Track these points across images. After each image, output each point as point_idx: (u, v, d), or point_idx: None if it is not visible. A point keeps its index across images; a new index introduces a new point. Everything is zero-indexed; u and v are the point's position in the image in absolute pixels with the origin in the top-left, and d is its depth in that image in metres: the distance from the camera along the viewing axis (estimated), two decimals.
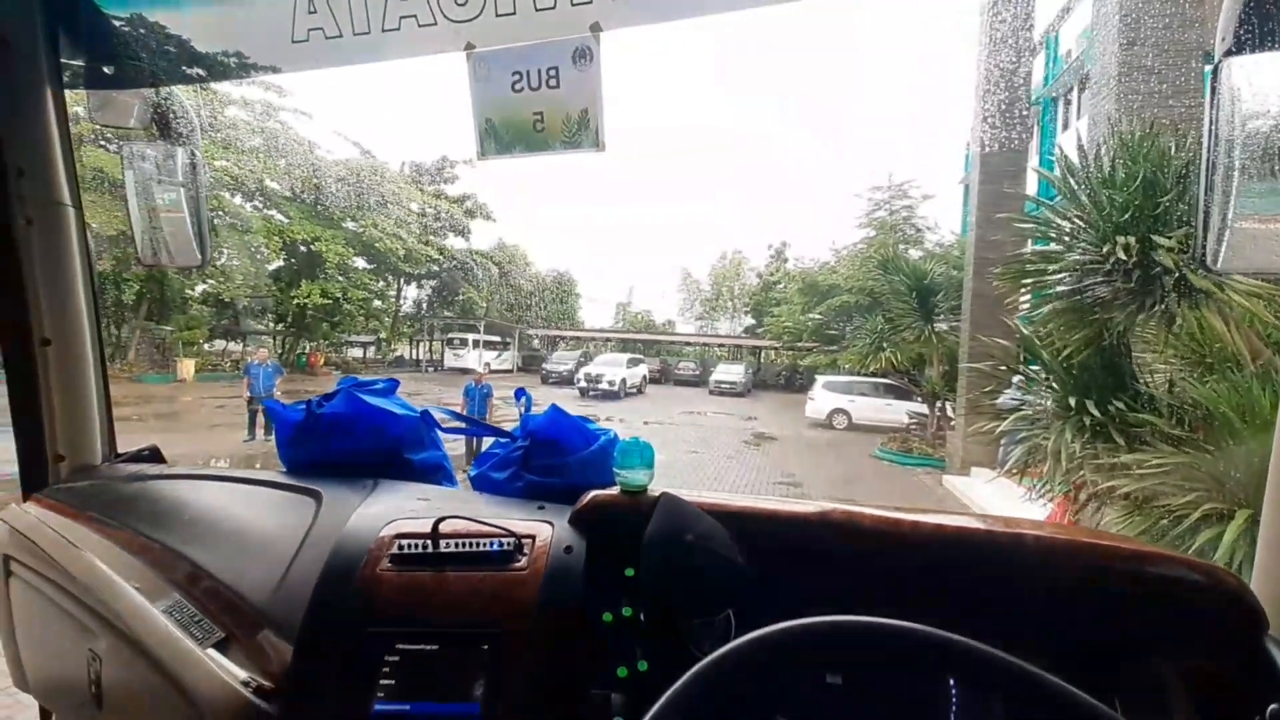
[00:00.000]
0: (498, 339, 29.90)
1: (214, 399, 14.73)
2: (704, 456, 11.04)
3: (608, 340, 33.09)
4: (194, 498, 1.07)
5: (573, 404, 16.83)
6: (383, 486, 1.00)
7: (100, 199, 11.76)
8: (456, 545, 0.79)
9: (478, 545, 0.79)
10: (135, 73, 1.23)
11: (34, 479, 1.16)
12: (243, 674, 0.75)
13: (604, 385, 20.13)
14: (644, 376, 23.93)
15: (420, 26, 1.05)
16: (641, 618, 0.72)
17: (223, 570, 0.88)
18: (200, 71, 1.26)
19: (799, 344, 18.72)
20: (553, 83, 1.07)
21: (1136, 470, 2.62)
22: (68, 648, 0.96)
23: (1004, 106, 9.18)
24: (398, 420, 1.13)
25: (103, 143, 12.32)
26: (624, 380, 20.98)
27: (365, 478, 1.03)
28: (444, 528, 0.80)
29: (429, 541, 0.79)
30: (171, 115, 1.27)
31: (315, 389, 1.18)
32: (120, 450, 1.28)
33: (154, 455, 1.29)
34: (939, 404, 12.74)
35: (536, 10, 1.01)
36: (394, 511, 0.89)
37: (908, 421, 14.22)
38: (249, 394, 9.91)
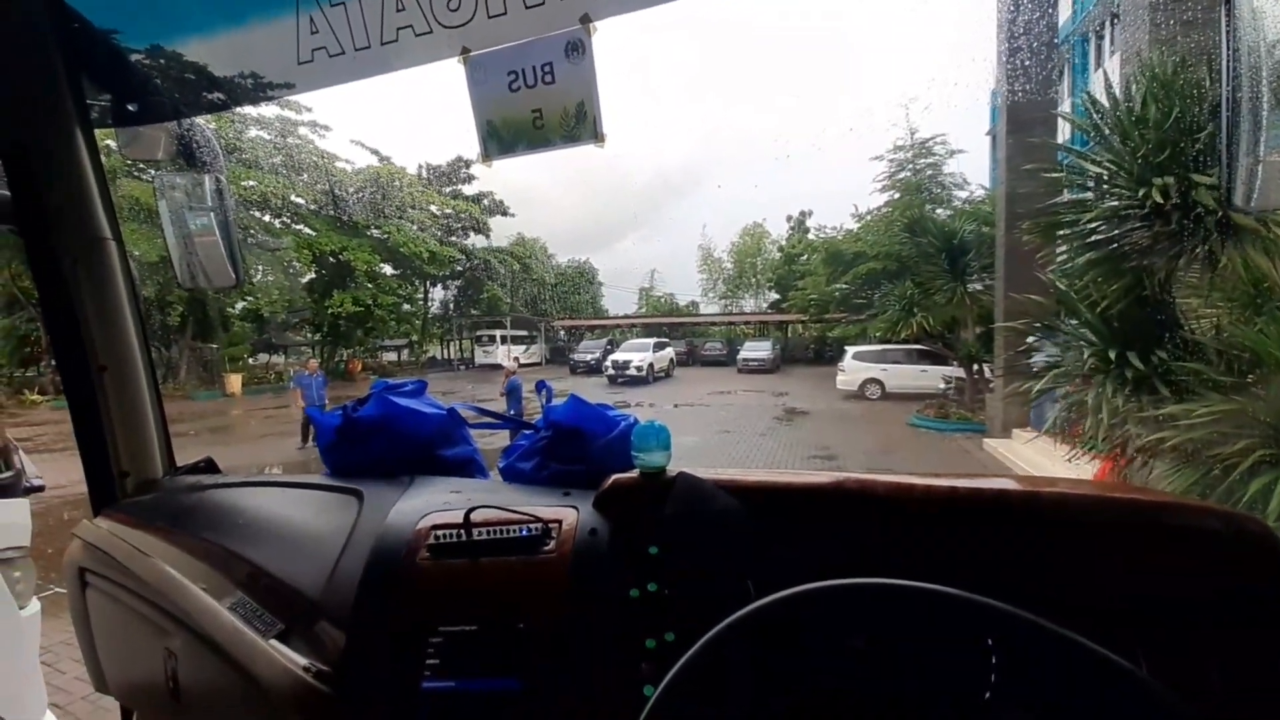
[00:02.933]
0: (524, 333, 30.28)
1: (262, 410, 15.41)
2: (736, 436, 11.02)
3: (633, 326, 33.15)
4: (248, 503, 1.15)
5: (602, 392, 17.03)
6: (418, 482, 1.06)
7: (139, 228, 12.36)
8: (488, 533, 0.84)
9: (508, 532, 0.84)
10: (157, 106, 1.30)
11: (102, 495, 1.26)
12: (303, 661, 0.81)
13: (632, 371, 20.21)
14: (671, 359, 23.90)
15: (417, 36, 1.08)
16: (666, 592, 0.75)
17: (279, 567, 0.95)
18: (218, 97, 1.32)
19: (826, 315, 18.36)
20: (548, 79, 1.08)
21: (1184, 421, 2.52)
22: (144, 648, 1.05)
23: (1027, 49, 8.73)
24: (428, 419, 1.19)
25: (135, 174, 12.90)
26: (651, 365, 21.01)
27: (402, 475, 1.09)
28: (475, 517, 0.85)
29: (462, 531, 0.84)
30: (195, 145, 1.34)
31: (357, 394, 1.25)
32: (178, 464, 1.37)
33: (209, 466, 1.38)
34: (976, 366, 12.37)
35: (527, 8, 1.03)
36: (429, 505, 0.94)
37: (944, 386, 13.87)
38: (304, 403, 10.18)
